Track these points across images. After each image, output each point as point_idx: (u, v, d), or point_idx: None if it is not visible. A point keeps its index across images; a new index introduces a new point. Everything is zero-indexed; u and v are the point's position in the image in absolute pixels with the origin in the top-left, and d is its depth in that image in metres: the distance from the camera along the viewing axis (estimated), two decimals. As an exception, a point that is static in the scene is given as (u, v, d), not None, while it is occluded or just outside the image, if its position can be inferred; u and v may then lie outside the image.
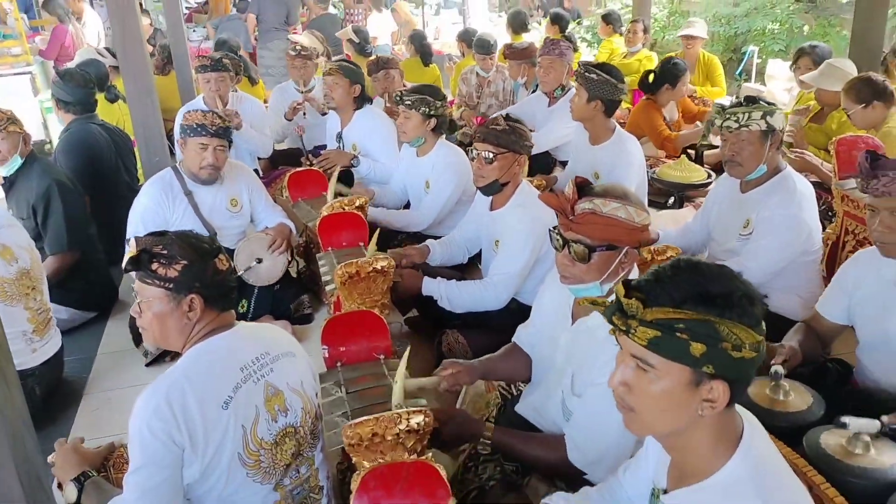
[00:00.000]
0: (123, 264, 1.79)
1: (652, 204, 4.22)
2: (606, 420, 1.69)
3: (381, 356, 2.22)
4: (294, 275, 3.75)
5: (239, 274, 3.33)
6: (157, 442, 1.64)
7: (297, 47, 5.12)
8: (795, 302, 2.78)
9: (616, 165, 3.46)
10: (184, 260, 1.74)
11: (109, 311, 3.75)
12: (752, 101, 2.74)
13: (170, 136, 4.81)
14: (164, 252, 1.75)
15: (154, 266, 1.74)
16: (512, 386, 2.42)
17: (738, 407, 1.30)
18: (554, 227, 1.92)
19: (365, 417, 1.69)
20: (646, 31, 6.56)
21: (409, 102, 3.39)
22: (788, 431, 1.83)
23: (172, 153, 4.46)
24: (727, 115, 2.71)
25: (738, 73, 9.62)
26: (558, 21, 6.85)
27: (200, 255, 1.77)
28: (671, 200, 4.40)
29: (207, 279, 1.76)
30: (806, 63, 4.50)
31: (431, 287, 2.86)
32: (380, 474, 1.59)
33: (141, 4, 10.90)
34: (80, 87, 4.16)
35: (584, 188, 1.87)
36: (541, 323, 2.18)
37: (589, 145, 3.66)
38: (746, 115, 2.65)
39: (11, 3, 7.50)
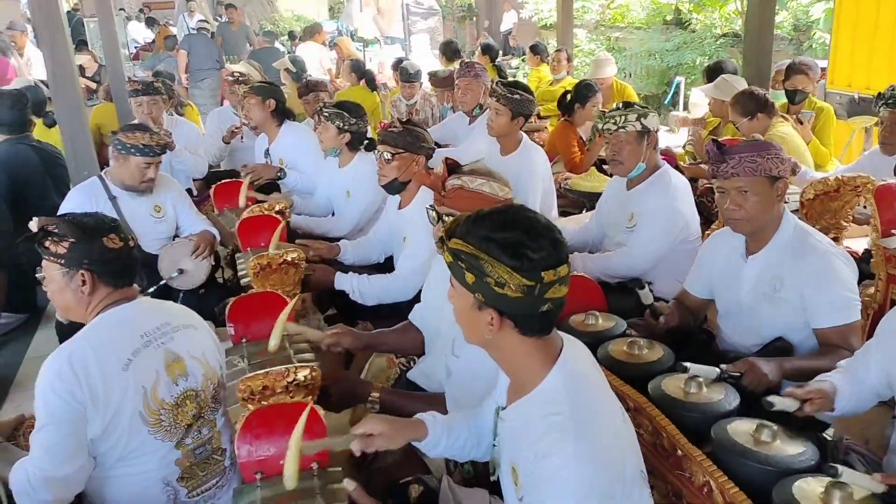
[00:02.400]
0: (18, 240, 1.97)
1: (566, 214, 4.52)
2: (479, 375, 1.91)
3: (284, 333, 2.40)
4: (221, 281, 3.91)
5: (164, 280, 3.49)
6: (60, 400, 1.79)
7: (235, 74, 5.37)
8: (678, 287, 3.04)
9: (522, 172, 3.73)
10: (71, 237, 1.92)
11: (39, 318, 3.86)
12: (628, 105, 3.05)
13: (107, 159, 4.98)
14: (56, 230, 1.93)
15: (47, 243, 1.93)
16: (411, 362, 2.62)
17: (563, 334, 1.53)
18: (430, 205, 2.15)
19: (256, 372, 1.88)
20: (569, 59, 6.96)
21: (326, 115, 3.65)
22: (641, 379, 2.07)
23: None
24: (607, 119, 3.01)
25: (666, 101, 10.19)
26: (488, 51, 7.24)
27: (87, 232, 1.94)
28: (584, 211, 4.69)
29: (96, 256, 1.93)
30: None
31: (343, 281, 3.05)
32: (262, 414, 1.77)
33: (87, 43, 11.14)
34: (9, 108, 4.33)
35: (453, 168, 2.11)
36: (431, 298, 2.40)
37: (500, 156, 3.93)
38: (623, 117, 2.96)
39: (-46, 38, 7.59)
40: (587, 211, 4.67)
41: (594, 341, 2.29)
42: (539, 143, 5.90)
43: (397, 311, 3.02)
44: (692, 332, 2.57)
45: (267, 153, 4.36)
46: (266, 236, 3.17)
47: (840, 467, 1.49)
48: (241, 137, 5.07)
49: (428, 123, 5.99)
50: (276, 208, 3.31)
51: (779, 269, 2.27)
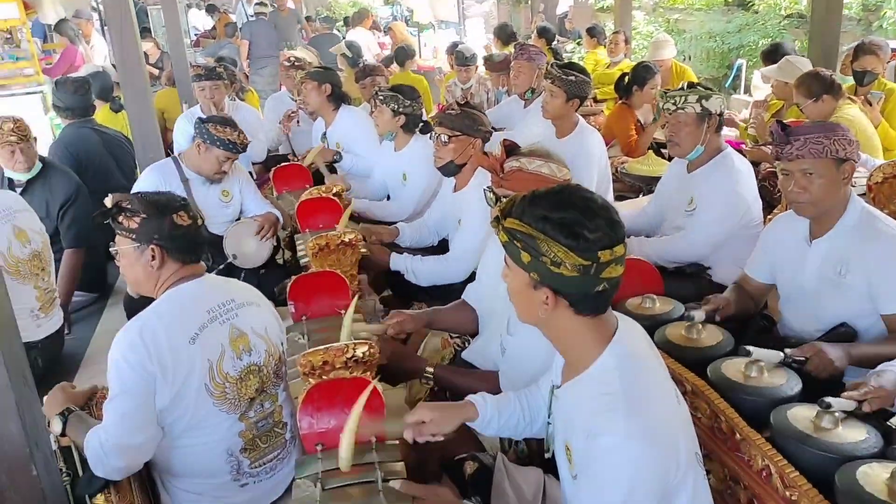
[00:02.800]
0: (94, 213, 2.06)
1: (622, 198, 4.47)
2: (534, 353, 1.92)
3: (343, 311, 2.45)
4: (280, 262, 4.00)
5: (228, 259, 3.59)
6: (132, 371, 1.88)
7: (291, 59, 5.45)
8: (737, 273, 2.98)
9: (578, 156, 3.69)
10: (143, 213, 2.00)
11: (108, 296, 4.03)
12: (691, 86, 2.99)
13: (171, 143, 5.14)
14: (128, 206, 2.01)
15: (120, 218, 2.01)
16: (466, 342, 2.65)
17: (618, 314, 1.53)
18: (488, 187, 2.17)
19: (316, 348, 1.93)
20: (626, 42, 6.84)
21: (381, 98, 3.69)
22: (699, 363, 2.05)
23: (168, 154, 4.78)
24: (667, 99, 2.96)
25: (727, 84, 9.91)
26: (544, 34, 7.15)
27: (158, 209, 2.02)
28: (640, 195, 4.62)
29: (166, 231, 2.00)
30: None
31: (398, 262, 3.10)
32: (323, 388, 1.82)
33: (150, 30, 11.45)
34: (72, 94, 4.51)
35: (511, 150, 2.12)
36: (486, 278, 2.42)
37: (555, 139, 3.91)
38: (683, 98, 2.90)
39: (25, 28, 7.89)
40: (644, 195, 4.61)
41: (651, 325, 2.28)
42: (596, 126, 5.86)
43: (451, 293, 3.04)
44: (752, 318, 2.53)
45: (324, 137, 4.43)
46: (324, 218, 3.24)
47: None
48: (298, 121, 5.14)
49: (483, 107, 5.98)
50: (334, 190, 3.36)
51: (845, 253, 2.21)
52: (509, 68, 5.37)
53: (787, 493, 1.62)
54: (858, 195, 2.34)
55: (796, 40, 10.83)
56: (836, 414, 1.69)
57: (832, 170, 2.15)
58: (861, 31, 10.10)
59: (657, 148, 5.01)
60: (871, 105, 4.28)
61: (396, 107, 3.69)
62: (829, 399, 1.70)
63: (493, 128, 4.78)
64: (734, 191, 2.94)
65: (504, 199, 2.05)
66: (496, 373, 2.11)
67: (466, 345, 2.65)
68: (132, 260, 2.03)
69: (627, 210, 3.59)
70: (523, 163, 2.07)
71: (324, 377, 1.90)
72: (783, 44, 5.10)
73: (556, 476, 1.68)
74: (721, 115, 2.98)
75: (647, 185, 4.52)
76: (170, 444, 2.01)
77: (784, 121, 4.28)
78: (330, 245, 2.77)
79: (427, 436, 1.72)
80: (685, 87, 3.00)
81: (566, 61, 4.46)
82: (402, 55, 6.69)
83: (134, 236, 2.00)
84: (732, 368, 1.98)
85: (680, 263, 3.07)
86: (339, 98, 4.38)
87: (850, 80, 4.50)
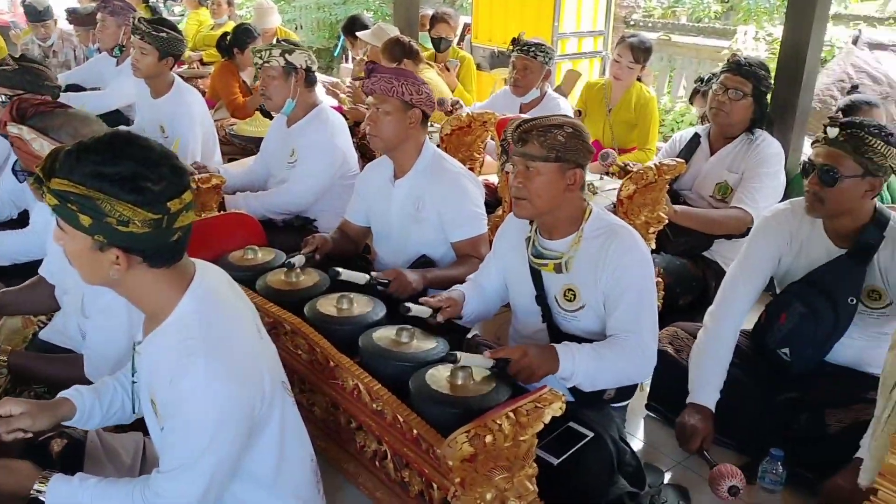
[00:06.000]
0: None
1: (233, 160, 4.41)
2: (114, 336, 1.81)
3: None
4: None
5: None
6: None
7: None
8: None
9: (177, 116, 3.55)
10: None
11: None
12: (279, 42, 3.08)
13: None
14: None
15: None
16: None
17: (195, 260, 1.49)
18: None
19: None
20: (230, 3, 6.71)
21: None
22: (300, 303, 2.13)
23: None
24: (255, 54, 3.03)
25: (336, 53, 10.39)
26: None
27: None
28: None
29: None
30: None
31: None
32: None
33: None
34: None
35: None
36: (52, 247, 2.18)
37: (151, 99, 3.68)
38: (268, 52, 3.00)
39: None
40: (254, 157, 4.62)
41: (254, 274, 2.32)
42: (203, 90, 5.66)
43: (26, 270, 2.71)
44: (352, 258, 2.71)
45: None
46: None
47: (459, 353, 1.71)
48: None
49: (70, 66, 5.37)
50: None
51: (420, 191, 2.49)
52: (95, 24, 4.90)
53: (374, 406, 1.79)
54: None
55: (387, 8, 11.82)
56: (412, 330, 1.91)
57: (399, 110, 2.39)
58: (442, 2, 11.34)
59: (265, 109, 5.03)
60: (448, 71, 4.85)
61: None
62: (408, 304, 1.93)
63: (81, 87, 4.35)
64: (331, 142, 3.11)
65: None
66: (82, 356, 1.94)
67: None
68: None
69: (234, 169, 3.57)
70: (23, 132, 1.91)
71: None
72: (359, 15, 5.50)
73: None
74: (309, 70, 3.10)
75: (257, 146, 4.49)
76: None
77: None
78: None
79: (16, 432, 1.52)
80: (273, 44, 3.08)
81: (157, 16, 4.21)
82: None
83: None
84: (327, 304, 2.10)
85: (287, 215, 3.16)
86: None
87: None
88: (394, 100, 2.37)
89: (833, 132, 2.00)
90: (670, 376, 2.30)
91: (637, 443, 2.38)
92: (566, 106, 3.74)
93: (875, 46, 4.45)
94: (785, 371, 2.25)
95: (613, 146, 4.15)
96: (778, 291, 2.35)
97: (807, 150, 3.87)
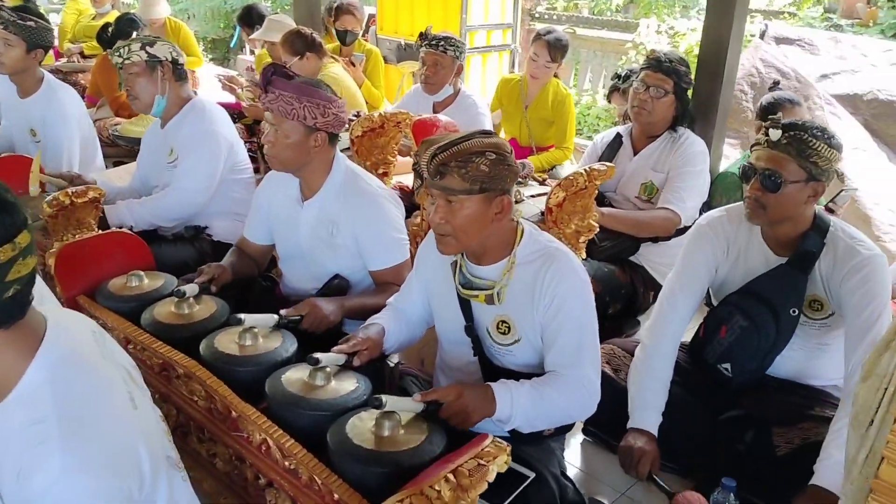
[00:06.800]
0: None
1: (120, 164, 3.99)
2: None
3: None
4: None
5: None
6: None
7: None
8: (236, 227, 2.82)
9: (48, 116, 3.15)
10: None
11: None
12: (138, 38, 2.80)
13: None
14: None
15: None
16: None
17: (48, 310, 1.19)
18: None
19: None
20: (113, -9, 6.17)
21: None
22: (194, 339, 1.85)
23: None
24: (113, 54, 2.72)
25: (233, 44, 9.87)
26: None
27: None
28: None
29: None
30: None
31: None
32: None
33: None
34: None
35: None
36: None
37: (19, 99, 3.25)
38: (127, 48, 2.71)
39: None
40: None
41: (139, 305, 2.02)
42: (85, 86, 5.16)
43: None
44: (255, 280, 2.43)
45: None
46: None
47: (384, 397, 1.47)
48: None
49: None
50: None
51: (333, 214, 2.23)
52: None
53: (287, 463, 1.53)
54: (344, 150, 2.36)
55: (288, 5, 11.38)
56: (328, 369, 1.66)
57: (300, 133, 2.10)
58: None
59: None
60: (354, 66, 4.57)
61: None
62: (317, 355, 1.66)
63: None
64: (211, 130, 2.81)
65: None
66: None
67: None
68: None
69: (117, 184, 3.16)
70: None
71: None
72: (256, 5, 5.15)
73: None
74: (176, 62, 2.77)
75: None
76: None
77: (273, 63, 4.30)
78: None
79: None
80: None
81: (22, 4, 3.74)
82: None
83: None
84: (226, 340, 1.82)
85: (177, 222, 2.83)
86: None
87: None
88: (294, 123, 2.08)
89: (776, 135, 1.88)
90: (608, 398, 2.11)
91: (575, 471, 2.21)
92: (482, 103, 3.54)
93: (781, 41, 4.48)
94: (725, 387, 2.13)
95: (530, 144, 4.01)
96: (714, 303, 2.24)
97: (727, 151, 3.85)
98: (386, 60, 5.65)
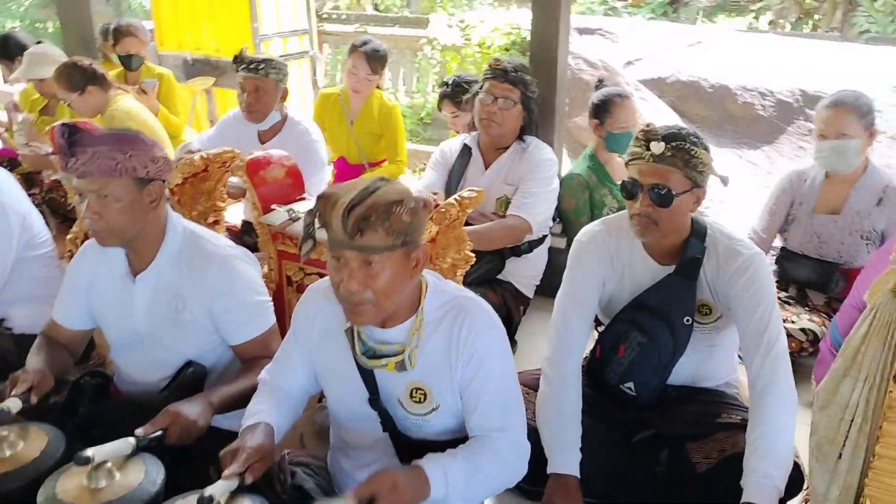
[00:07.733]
0: None
1: None
2: None
3: None
4: None
5: None
6: None
7: None
8: (42, 312, 2.29)
9: None
10: None
11: None
12: None
13: None
14: None
15: None
16: None
17: None
18: None
19: None
20: None
21: None
22: (27, 488, 1.45)
23: None
24: None
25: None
26: None
27: None
28: None
29: None
30: None
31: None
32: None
33: None
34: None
35: None
36: None
37: None
38: None
39: None
40: None
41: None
42: None
43: None
44: (81, 378, 1.97)
45: None
46: None
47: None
48: None
49: None
50: None
51: (175, 286, 1.86)
52: None
53: None
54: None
55: (48, 20, 10.08)
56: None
57: (133, 191, 1.74)
58: (112, 10, 9.98)
59: None
60: (146, 93, 4.04)
61: None
62: (209, 491, 1.33)
63: None
64: None
65: None
66: None
67: None
68: None
69: None
70: None
71: None
72: (12, 35, 4.29)
73: None
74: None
75: None
76: None
77: (56, 121, 3.69)
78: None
79: None
80: None
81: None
82: None
83: None
84: (71, 484, 1.44)
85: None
86: None
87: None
88: (123, 180, 1.71)
89: (658, 147, 1.81)
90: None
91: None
92: (314, 130, 3.21)
93: (583, 31, 4.61)
94: (629, 407, 2.07)
95: (361, 161, 3.78)
96: (604, 321, 2.17)
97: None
98: (173, 80, 5.11)
